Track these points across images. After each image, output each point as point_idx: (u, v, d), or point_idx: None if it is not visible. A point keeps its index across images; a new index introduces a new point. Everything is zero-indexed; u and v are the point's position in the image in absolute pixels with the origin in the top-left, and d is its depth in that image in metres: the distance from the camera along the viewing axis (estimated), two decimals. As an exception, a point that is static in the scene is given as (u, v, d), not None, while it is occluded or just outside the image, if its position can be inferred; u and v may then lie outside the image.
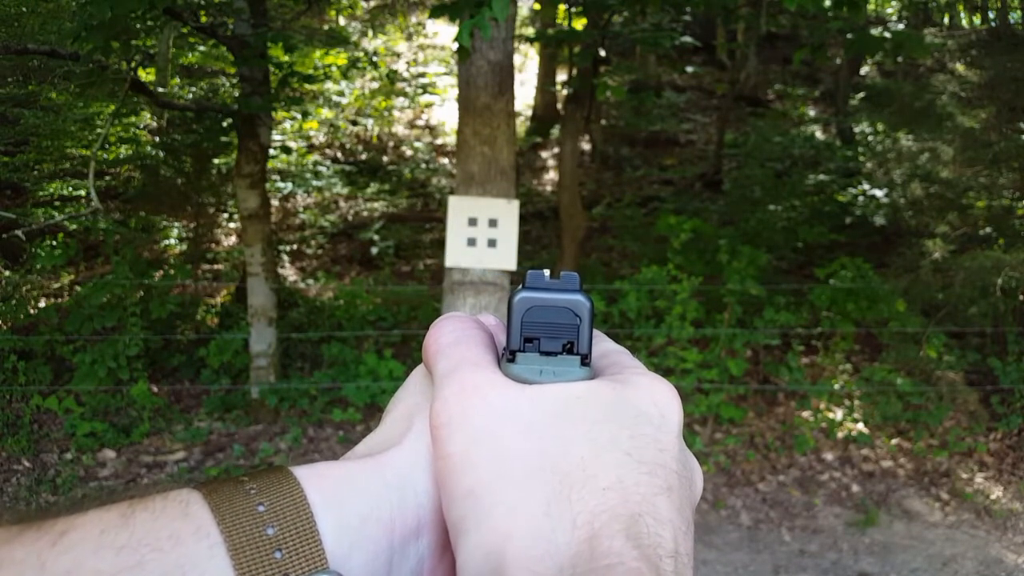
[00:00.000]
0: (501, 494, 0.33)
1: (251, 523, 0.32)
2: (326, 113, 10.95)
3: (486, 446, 0.35)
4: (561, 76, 11.24)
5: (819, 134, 10.75)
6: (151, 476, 4.67)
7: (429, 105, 12.08)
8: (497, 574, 0.32)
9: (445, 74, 12.47)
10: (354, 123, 11.34)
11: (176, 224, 7.84)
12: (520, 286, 0.41)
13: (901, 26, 8.44)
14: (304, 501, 0.34)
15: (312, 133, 10.83)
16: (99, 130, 6.34)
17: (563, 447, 0.35)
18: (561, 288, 0.40)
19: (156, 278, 5.93)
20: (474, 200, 4.31)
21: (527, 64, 13.15)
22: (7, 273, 6.51)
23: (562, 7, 7.37)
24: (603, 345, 0.45)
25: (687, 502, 0.37)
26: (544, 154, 11.29)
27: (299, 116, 10.12)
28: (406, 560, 0.36)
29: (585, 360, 0.39)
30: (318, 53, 9.63)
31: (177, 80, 8.59)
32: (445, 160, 10.78)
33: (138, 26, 4.65)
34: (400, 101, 11.68)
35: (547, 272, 0.41)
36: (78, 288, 6.36)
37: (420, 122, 12.02)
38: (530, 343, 0.39)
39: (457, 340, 0.40)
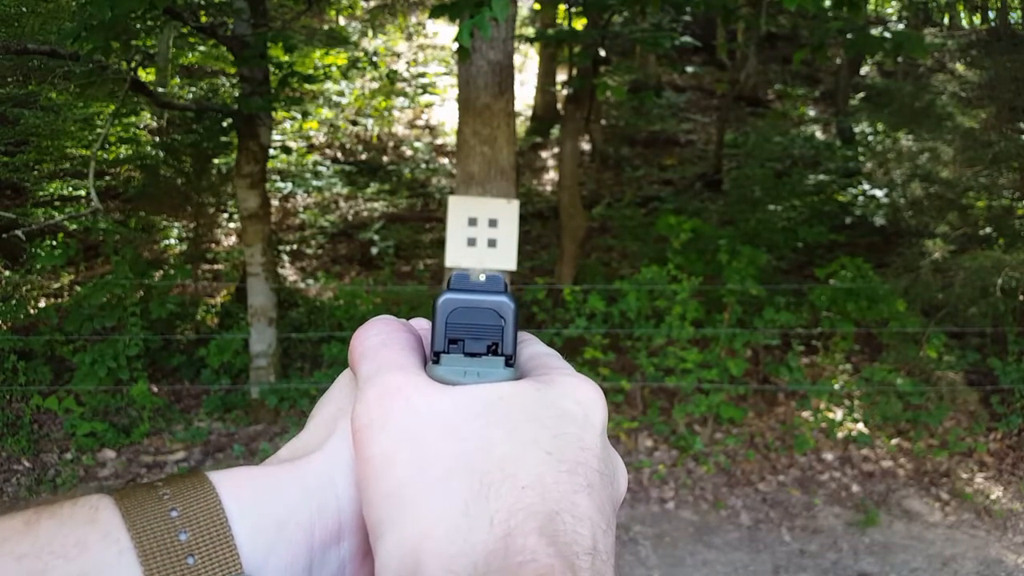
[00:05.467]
0: (420, 495, 0.34)
1: (163, 528, 0.32)
2: (326, 113, 10.95)
3: (407, 448, 0.35)
4: (561, 76, 11.24)
5: (819, 134, 10.75)
6: (151, 476, 4.67)
7: (429, 105, 12.08)
8: (414, 574, 0.32)
9: (445, 74, 12.47)
10: (354, 123, 11.34)
11: (176, 224, 7.84)
12: (445, 287, 0.41)
13: (901, 26, 8.44)
14: (219, 506, 0.33)
15: (312, 133, 10.83)
16: (99, 130, 6.34)
17: (484, 447, 0.35)
18: (486, 289, 0.40)
19: (156, 278, 5.93)
20: (474, 200, 4.31)
21: (527, 64, 13.15)
22: (7, 273, 6.51)
23: (562, 7, 7.38)
24: (533, 348, 0.45)
25: (608, 500, 0.37)
26: (544, 154, 11.29)
27: (299, 116, 10.13)
28: (327, 565, 0.36)
29: (509, 361, 0.39)
30: (318, 53, 9.64)
31: (177, 80, 8.59)
32: (445, 160, 10.78)
33: (138, 26, 4.65)
34: (400, 101, 11.68)
35: (473, 274, 0.41)
36: (78, 288, 6.37)
37: (420, 122, 12.02)
38: (454, 344, 0.39)
39: (382, 343, 0.40)
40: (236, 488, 0.35)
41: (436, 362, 0.39)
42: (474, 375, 0.38)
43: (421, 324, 0.45)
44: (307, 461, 0.37)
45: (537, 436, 0.36)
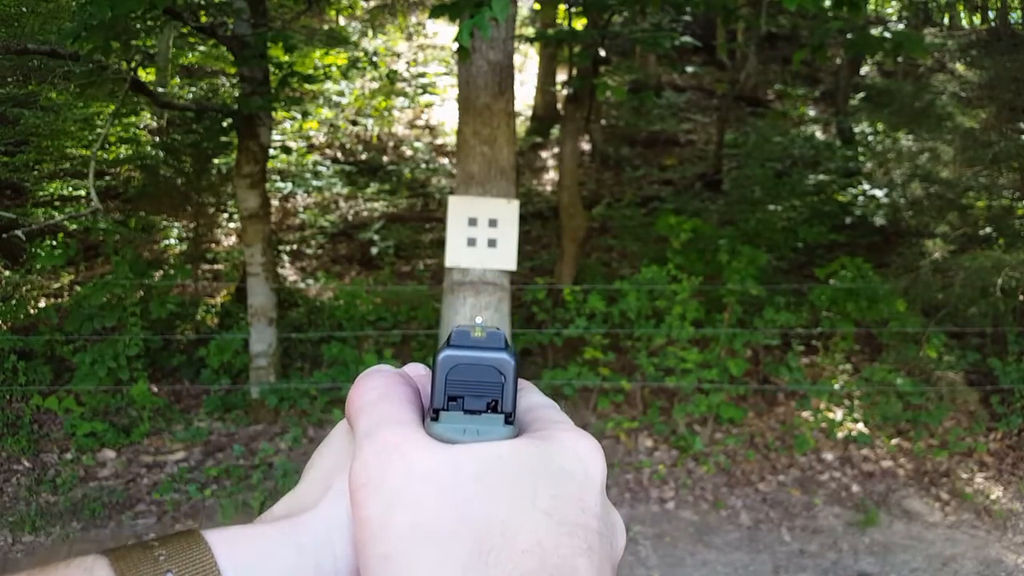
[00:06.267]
0: (418, 559, 0.33)
1: None
2: (326, 113, 10.95)
3: (405, 509, 0.34)
4: (561, 76, 11.24)
5: (819, 134, 10.75)
6: (151, 476, 4.67)
7: (429, 105, 12.08)
8: None
9: (445, 74, 12.47)
10: (354, 123, 11.34)
11: (176, 224, 7.84)
12: (445, 344, 0.41)
13: (901, 26, 8.44)
14: (214, 567, 0.33)
15: (312, 133, 10.83)
16: (99, 130, 6.34)
17: (483, 509, 0.34)
18: (486, 346, 0.40)
19: (156, 278, 5.93)
20: (474, 200, 4.31)
21: (527, 64, 13.15)
22: (7, 273, 6.51)
23: (562, 7, 7.38)
24: (530, 399, 0.44)
25: (607, 561, 0.37)
26: (544, 154, 11.29)
27: (299, 116, 10.12)
28: None
29: (509, 418, 0.39)
30: (318, 53, 9.63)
31: (177, 80, 8.59)
32: (445, 160, 10.78)
33: (138, 26, 4.65)
34: (400, 101, 11.68)
35: (474, 328, 0.41)
36: (78, 288, 6.36)
37: (420, 122, 12.02)
38: (454, 401, 0.39)
39: (380, 397, 0.40)
40: (231, 548, 0.34)
41: (435, 419, 0.39)
42: (473, 433, 0.38)
43: (418, 370, 0.45)
44: (303, 519, 0.37)
45: (536, 497, 0.35)
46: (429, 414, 0.39)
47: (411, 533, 0.34)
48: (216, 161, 7.32)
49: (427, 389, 0.42)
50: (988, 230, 5.79)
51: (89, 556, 0.33)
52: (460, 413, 0.39)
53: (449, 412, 0.39)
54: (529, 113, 11.94)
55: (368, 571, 0.34)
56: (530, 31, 11.18)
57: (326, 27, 11.37)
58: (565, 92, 7.83)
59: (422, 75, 12.30)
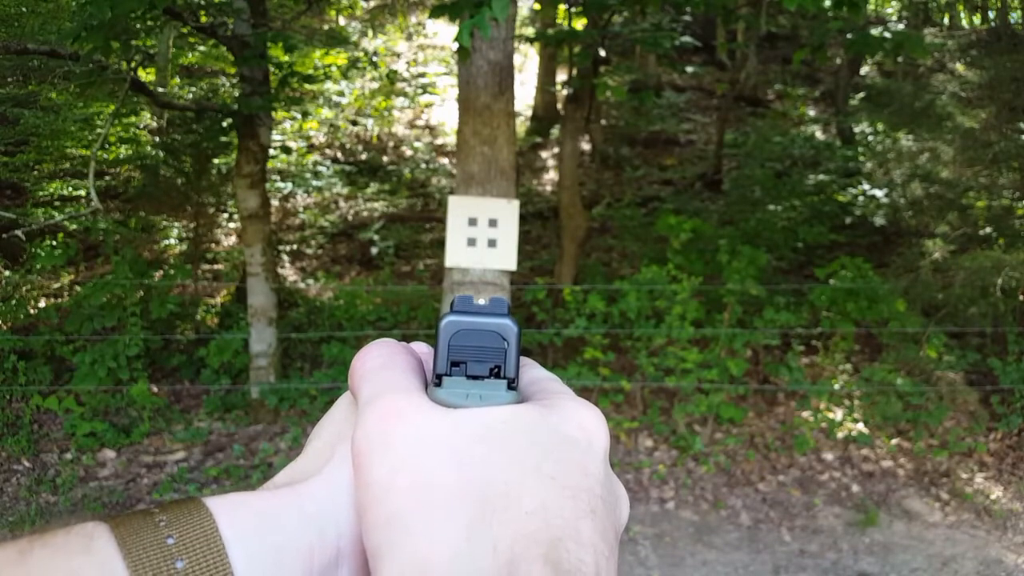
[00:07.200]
0: (421, 521, 0.33)
1: (159, 556, 0.32)
2: (326, 113, 10.95)
3: (408, 472, 0.34)
4: (561, 76, 11.24)
5: (819, 134, 10.75)
6: (151, 476, 4.67)
7: (429, 105, 12.08)
8: None
9: (445, 74, 12.47)
10: (354, 123, 11.34)
11: (176, 224, 7.84)
12: (448, 310, 0.41)
13: (901, 26, 8.44)
14: (216, 533, 0.33)
15: (312, 133, 10.83)
16: (99, 130, 6.34)
17: (487, 472, 0.34)
18: (489, 312, 0.40)
19: (156, 278, 5.93)
20: (474, 200, 4.31)
21: (527, 64, 13.15)
22: (7, 273, 6.51)
23: (562, 7, 7.37)
24: (533, 372, 0.45)
25: (611, 527, 0.37)
26: (544, 154, 11.29)
27: (299, 116, 10.13)
28: None
29: (512, 384, 0.39)
30: (318, 53, 9.64)
31: (177, 80, 8.59)
32: (445, 160, 10.78)
33: (138, 26, 4.65)
34: (400, 101, 11.68)
35: (476, 296, 0.41)
36: (78, 288, 6.36)
37: (420, 122, 12.02)
38: (457, 367, 0.39)
39: (383, 365, 0.40)
40: (233, 514, 0.34)
41: (438, 385, 0.39)
42: (476, 398, 0.38)
43: (421, 348, 0.45)
44: (306, 486, 0.37)
45: (540, 461, 0.35)
46: (432, 381, 0.40)
47: (415, 496, 0.34)
48: (216, 161, 7.32)
49: (430, 364, 0.42)
50: (988, 230, 5.78)
51: (89, 523, 0.33)
52: (463, 378, 0.39)
53: (452, 377, 0.39)
54: (529, 113, 11.94)
55: (371, 534, 0.34)
56: (530, 31, 11.18)
57: (326, 27, 11.37)
58: (565, 92, 7.83)
59: (422, 75, 12.31)
